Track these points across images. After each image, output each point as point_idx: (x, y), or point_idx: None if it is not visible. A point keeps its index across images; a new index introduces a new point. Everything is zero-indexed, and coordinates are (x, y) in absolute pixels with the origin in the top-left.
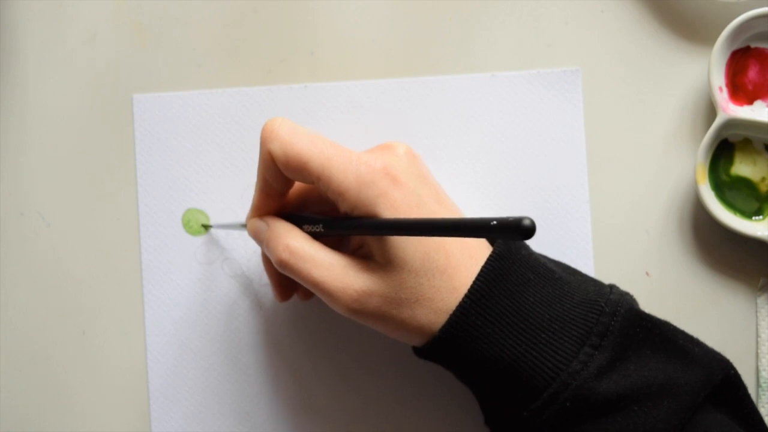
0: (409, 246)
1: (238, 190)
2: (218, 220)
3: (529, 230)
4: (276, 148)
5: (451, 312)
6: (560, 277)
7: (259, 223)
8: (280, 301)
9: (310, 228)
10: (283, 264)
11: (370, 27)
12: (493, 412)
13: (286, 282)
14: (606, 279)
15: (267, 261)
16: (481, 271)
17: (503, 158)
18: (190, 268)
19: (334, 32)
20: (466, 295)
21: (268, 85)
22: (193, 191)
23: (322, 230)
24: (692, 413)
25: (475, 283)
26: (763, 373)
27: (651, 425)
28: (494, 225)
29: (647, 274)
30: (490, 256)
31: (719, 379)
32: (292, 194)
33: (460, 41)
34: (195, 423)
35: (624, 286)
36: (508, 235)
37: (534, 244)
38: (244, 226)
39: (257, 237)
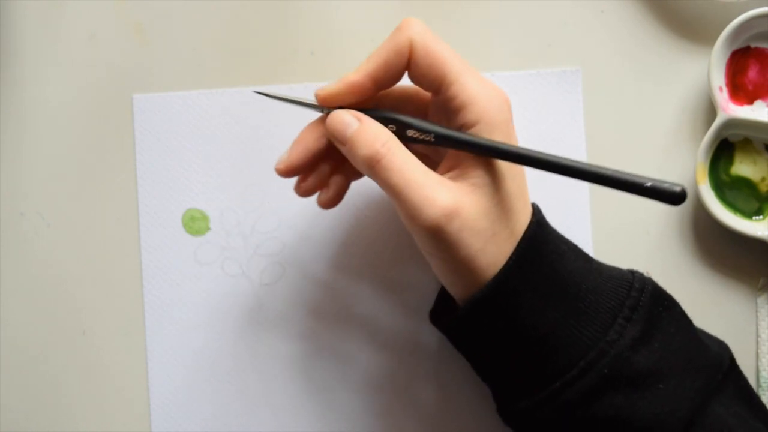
0: (508, 180)
1: (238, 190)
2: (218, 221)
3: (680, 197)
4: (419, 36)
5: (500, 266)
6: (586, 254)
7: (348, 117)
8: (299, 193)
9: (415, 134)
10: (377, 158)
11: (370, 27)
12: (512, 394)
13: (316, 175)
14: None
15: (302, 142)
16: (523, 236)
17: None
18: (190, 268)
19: (334, 32)
20: (510, 258)
21: (268, 85)
22: (193, 191)
23: (433, 140)
24: (709, 395)
25: (518, 246)
26: (763, 373)
27: (675, 403)
28: (648, 186)
29: (647, 274)
30: (531, 221)
31: (727, 363)
32: (383, 97)
33: (460, 41)
34: (195, 423)
35: None
36: (660, 197)
37: None
38: (314, 106)
39: (339, 128)
